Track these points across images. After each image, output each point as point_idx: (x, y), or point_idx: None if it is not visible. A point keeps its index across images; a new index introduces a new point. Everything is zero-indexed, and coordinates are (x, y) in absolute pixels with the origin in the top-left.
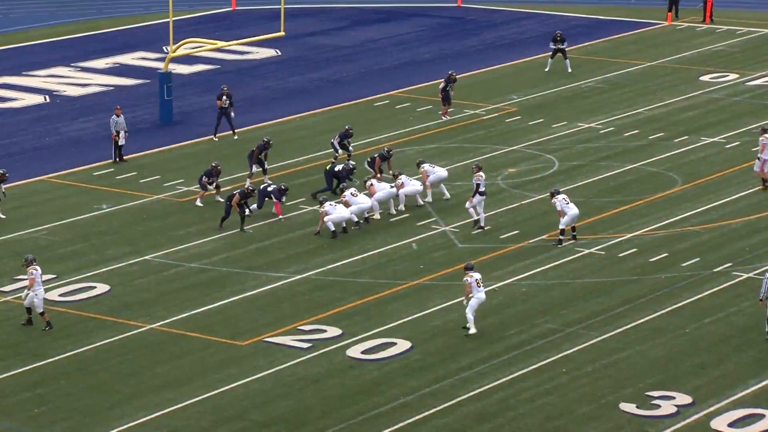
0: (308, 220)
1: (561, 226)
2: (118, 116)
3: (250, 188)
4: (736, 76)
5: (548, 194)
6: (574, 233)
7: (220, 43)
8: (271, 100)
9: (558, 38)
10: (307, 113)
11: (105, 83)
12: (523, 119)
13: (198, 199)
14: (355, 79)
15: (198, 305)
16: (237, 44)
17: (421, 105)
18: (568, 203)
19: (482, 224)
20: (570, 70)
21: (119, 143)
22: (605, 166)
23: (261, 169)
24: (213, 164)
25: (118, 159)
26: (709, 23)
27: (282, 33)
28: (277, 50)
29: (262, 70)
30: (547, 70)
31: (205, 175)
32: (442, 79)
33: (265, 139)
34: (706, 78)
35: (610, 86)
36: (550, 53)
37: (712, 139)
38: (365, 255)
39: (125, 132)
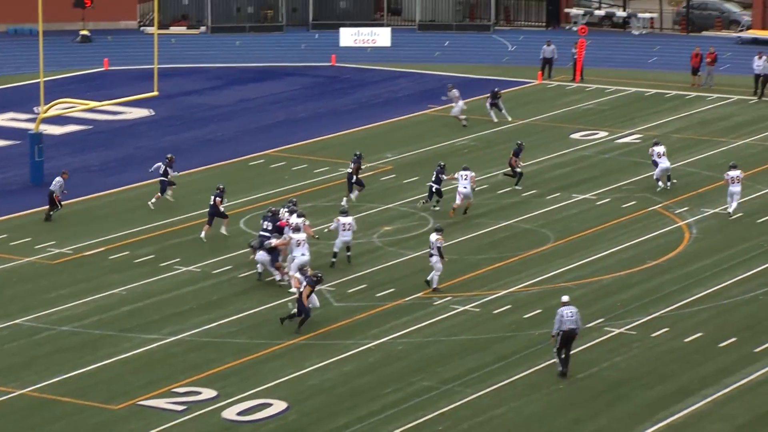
0: (185, 280)
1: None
2: None
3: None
4: (606, 133)
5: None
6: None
7: (93, 103)
8: (145, 160)
9: (496, 94)
10: (183, 173)
11: None
12: (398, 177)
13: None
14: (230, 138)
15: (70, 369)
16: (110, 104)
17: (296, 164)
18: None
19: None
20: (509, 119)
21: None
22: (480, 224)
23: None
24: (168, 156)
25: None
26: (579, 82)
27: (155, 93)
28: (151, 110)
29: (136, 130)
30: (496, 120)
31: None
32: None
33: (357, 154)
34: (576, 136)
35: (484, 144)
36: (490, 107)
37: (583, 196)
38: (241, 315)
39: None
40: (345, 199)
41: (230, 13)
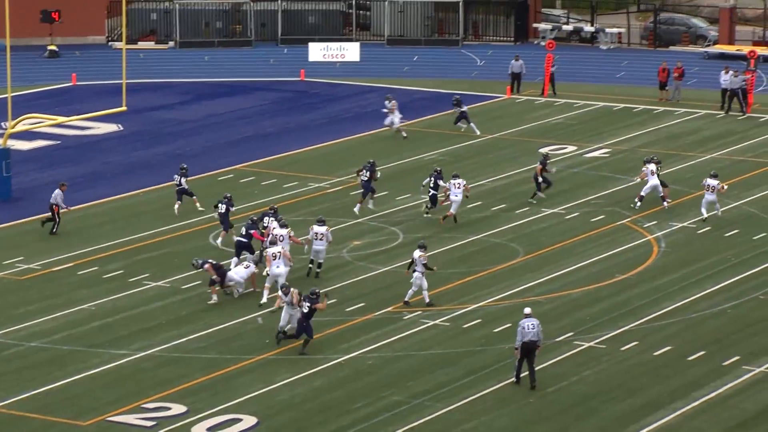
0: (154, 295)
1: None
2: None
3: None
4: (575, 147)
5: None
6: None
7: (61, 119)
8: (113, 175)
9: (455, 102)
10: (152, 188)
11: None
12: None
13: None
14: (199, 153)
15: (39, 385)
16: (78, 119)
17: (265, 179)
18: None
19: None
20: (478, 132)
21: None
22: (449, 238)
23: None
24: (182, 166)
25: None
26: (548, 96)
27: (124, 108)
28: (119, 125)
29: (105, 145)
30: (464, 128)
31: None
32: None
33: (371, 162)
34: (545, 150)
35: (453, 158)
36: (457, 120)
37: (552, 210)
38: (210, 330)
39: None
40: (371, 202)
41: (198, 28)
